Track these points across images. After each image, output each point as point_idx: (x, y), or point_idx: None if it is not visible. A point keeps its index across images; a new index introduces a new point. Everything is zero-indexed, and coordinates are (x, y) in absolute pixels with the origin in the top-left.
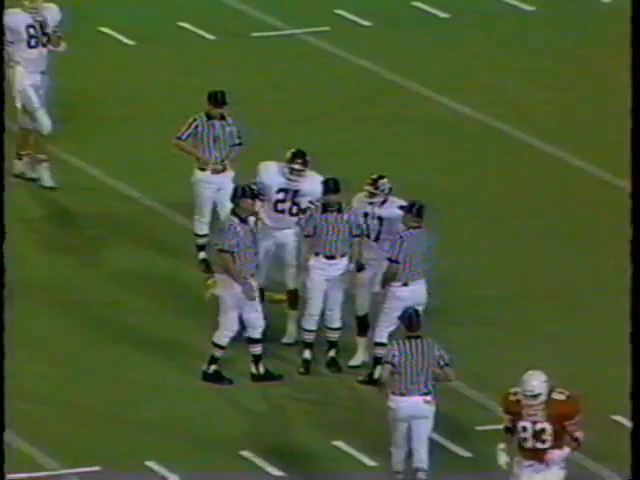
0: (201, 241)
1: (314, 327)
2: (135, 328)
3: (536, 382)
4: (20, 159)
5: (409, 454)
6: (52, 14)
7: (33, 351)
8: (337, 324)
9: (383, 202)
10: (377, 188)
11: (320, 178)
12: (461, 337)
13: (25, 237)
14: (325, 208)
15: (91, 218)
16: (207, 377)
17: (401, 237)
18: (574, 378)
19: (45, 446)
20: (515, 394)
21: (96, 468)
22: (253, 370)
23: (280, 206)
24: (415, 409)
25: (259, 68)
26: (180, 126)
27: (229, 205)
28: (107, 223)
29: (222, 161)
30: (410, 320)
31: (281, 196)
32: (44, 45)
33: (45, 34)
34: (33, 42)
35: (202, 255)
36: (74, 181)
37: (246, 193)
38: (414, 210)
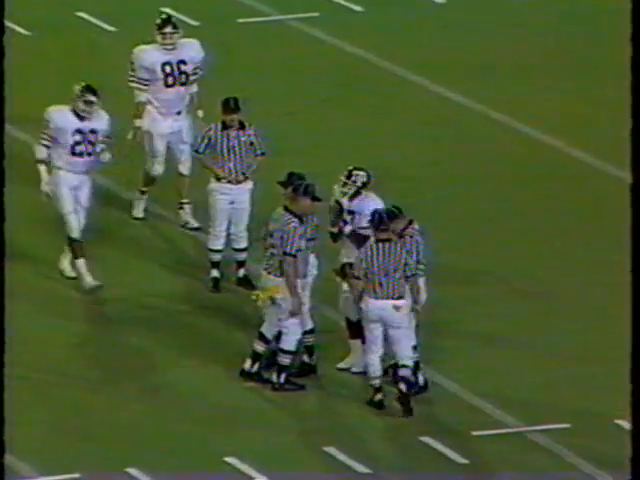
0: (215, 257)
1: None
2: None
3: None
4: (181, 209)
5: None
6: (192, 51)
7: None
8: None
9: (355, 195)
10: (349, 178)
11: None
12: (455, 337)
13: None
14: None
15: None
16: (280, 387)
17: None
18: (578, 379)
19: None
20: None
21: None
22: (274, 379)
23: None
24: (384, 312)
25: (245, 55)
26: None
27: (244, 221)
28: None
29: (239, 173)
30: (380, 220)
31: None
32: (182, 84)
33: (183, 73)
34: (170, 81)
35: (215, 273)
36: None
37: (308, 192)
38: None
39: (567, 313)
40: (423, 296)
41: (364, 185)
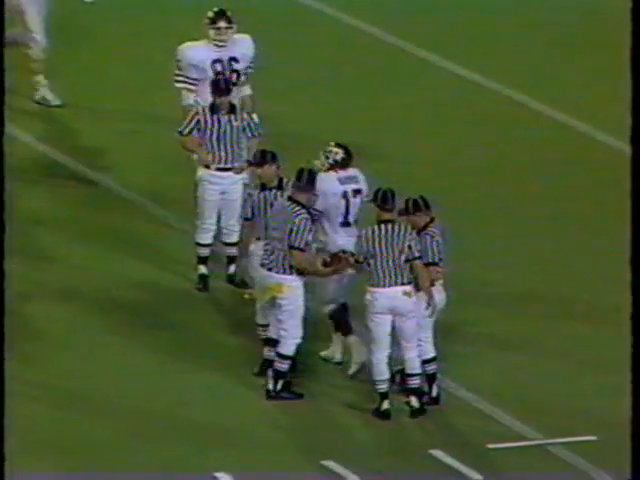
0: (203, 252)
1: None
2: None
3: None
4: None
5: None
6: (244, 48)
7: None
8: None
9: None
10: (324, 152)
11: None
12: (469, 341)
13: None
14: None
15: None
16: (274, 395)
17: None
18: (606, 388)
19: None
20: None
21: None
22: (270, 386)
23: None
24: (395, 301)
25: (242, 31)
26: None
27: (235, 214)
28: None
29: (230, 162)
30: (384, 199)
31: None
32: (233, 84)
33: (234, 71)
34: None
35: (203, 270)
36: None
37: (313, 181)
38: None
39: (591, 315)
40: (442, 299)
41: (337, 163)
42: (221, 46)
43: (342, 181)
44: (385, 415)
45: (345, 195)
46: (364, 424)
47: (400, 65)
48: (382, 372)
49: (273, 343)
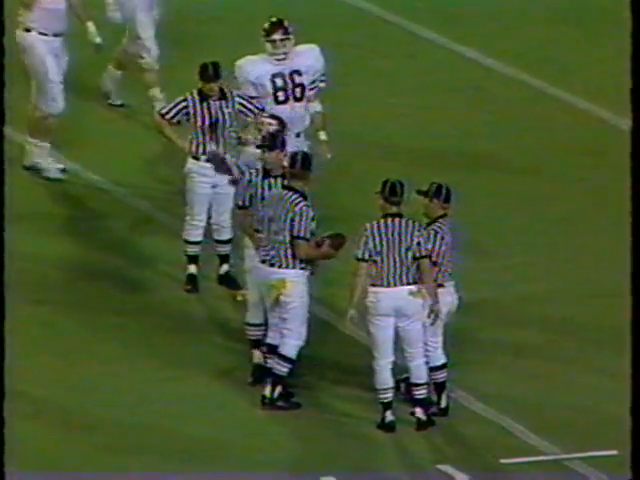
0: (193, 251)
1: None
2: None
3: None
4: None
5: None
6: (310, 60)
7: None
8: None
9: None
10: (256, 125)
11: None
12: (481, 347)
13: None
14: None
15: None
16: (271, 403)
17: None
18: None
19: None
20: None
21: None
22: (267, 392)
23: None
24: (399, 301)
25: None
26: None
27: (227, 209)
28: None
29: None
30: (393, 191)
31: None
32: (297, 99)
33: (298, 86)
34: (281, 96)
35: (192, 270)
36: None
37: (310, 166)
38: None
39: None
40: (454, 301)
41: (270, 136)
42: (280, 59)
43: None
44: (389, 427)
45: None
46: (366, 437)
47: (405, 45)
48: (385, 380)
49: (271, 349)
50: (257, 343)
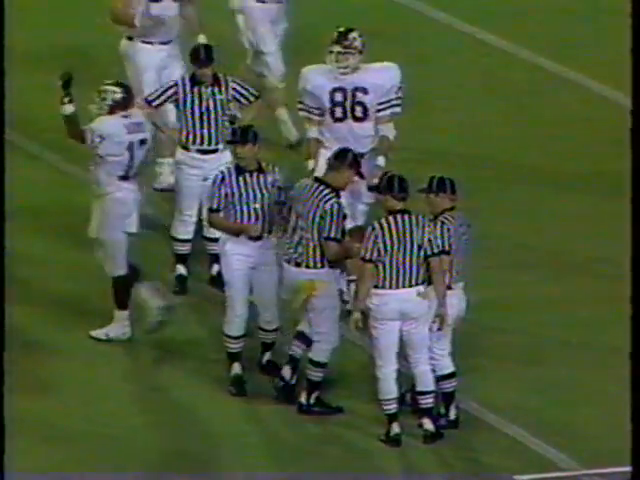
0: (182, 249)
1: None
2: None
3: None
4: None
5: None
6: (379, 79)
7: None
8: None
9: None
10: (99, 94)
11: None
12: (493, 352)
13: None
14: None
15: None
16: (308, 410)
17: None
18: None
19: None
20: None
21: None
22: (302, 399)
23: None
24: (406, 304)
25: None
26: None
27: None
28: None
29: (214, 141)
30: (401, 186)
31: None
32: (357, 119)
33: (359, 104)
34: (339, 113)
35: (181, 270)
36: None
37: (355, 163)
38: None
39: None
40: (462, 304)
41: (117, 104)
42: (344, 73)
43: (130, 130)
44: (395, 441)
45: (131, 147)
46: (371, 450)
47: (420, 31)
48: (390, 390)
49: (302, 339)
50: (237, 356)
